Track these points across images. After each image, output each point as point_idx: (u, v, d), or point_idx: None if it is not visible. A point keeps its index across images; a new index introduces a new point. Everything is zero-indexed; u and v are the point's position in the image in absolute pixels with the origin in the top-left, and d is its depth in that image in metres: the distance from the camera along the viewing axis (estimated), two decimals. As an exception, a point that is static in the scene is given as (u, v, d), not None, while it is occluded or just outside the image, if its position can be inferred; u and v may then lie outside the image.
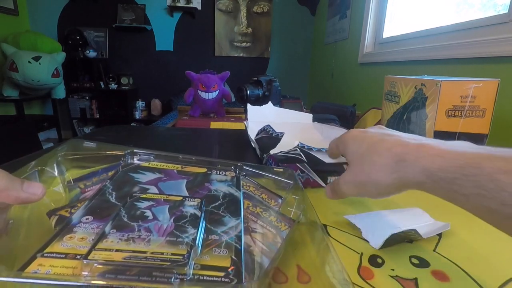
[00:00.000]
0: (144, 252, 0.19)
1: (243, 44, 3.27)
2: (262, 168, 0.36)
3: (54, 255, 0.18)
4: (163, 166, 0.33)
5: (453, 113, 0.44)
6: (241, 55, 3.30)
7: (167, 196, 0.27)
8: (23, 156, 0.49)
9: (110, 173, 0.30)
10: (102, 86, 3.05)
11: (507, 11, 1.05)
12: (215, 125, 1.32)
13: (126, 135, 0.71)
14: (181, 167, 0.33)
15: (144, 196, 0.27)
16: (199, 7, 3.10)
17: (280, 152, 0.48)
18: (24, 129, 2.45)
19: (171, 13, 3.11)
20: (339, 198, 0.32)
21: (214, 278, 0.18)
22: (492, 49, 1.06)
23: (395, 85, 0.54)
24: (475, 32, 1.20)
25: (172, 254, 0.19)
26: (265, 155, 0.49)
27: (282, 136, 0.56)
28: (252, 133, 0.62)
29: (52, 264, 0.18)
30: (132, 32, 3.12)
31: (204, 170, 0.33)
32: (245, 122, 0.68)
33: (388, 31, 1.90)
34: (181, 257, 0.19)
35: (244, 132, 0.72)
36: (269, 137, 0.57)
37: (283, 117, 0.70)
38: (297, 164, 0.43)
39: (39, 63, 2.43)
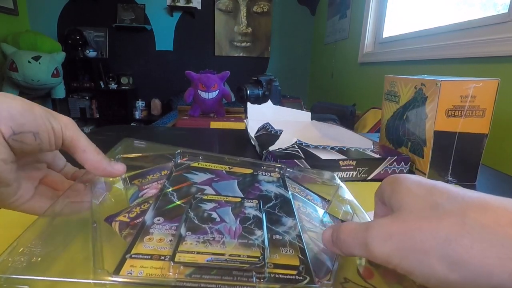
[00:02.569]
0: (223, 255, 0.21)
1: (243, 44, 3.27)
2: (303, 170, 0.37)
3: (141, 256, 0.20)
4: (211, 166, 0.34)
5: (453, 113, 0.44)
6: (241, 55, 3.30)
7: (226, 197, 0.28)
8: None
9: (163, 172, 0.32)
10: (102, 86, 3.05)
11: (507, 11, 1.05)
12: (215, 125, 1.32)
13: (126, 135, 0.71)
14: (229, 167, 0.34)
15: (206, 197, 0.28)
16: (199, 7, 3.10)
17: (279, 148, 0.49)
18: (24, 129, 2.46)
19: (171, 13, 3.11)
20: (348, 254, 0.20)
21: (289, 277, 0.20)
22: (492, 49, 1.06)
23: (395, 85, 0.54)
24: (475, 32, 1.20)
25: (248, 256, 0.21)
26: (264, 152, 0.51)
27: (280, 133, 0.57)
28: (252, 131, 0.64)
29: (142, 265, 0.19)
30: (132, 32, 3.12)
31: (250, 171, 0.34)
32: (245, 120, 0.70)
33: (388, 31, 1.90)
34: (256, 259, 0.21)
35: (244, 132, 0.72)
36: (268, 134, 0.59)
37: (282, 115, 0.72)
38: (295, 160, 0.44)
39: (39, 63, 2.43)
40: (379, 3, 1.94)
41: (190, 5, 3.04)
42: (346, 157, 0.46)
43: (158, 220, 0.24)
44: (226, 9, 3.15)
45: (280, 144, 0.52)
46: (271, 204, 0.28)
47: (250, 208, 0.27)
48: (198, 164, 0.34)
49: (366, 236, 0.17)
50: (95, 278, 0.18)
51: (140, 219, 0.24)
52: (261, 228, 0.24)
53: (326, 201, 0.33)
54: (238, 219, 0.25)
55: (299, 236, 0.24)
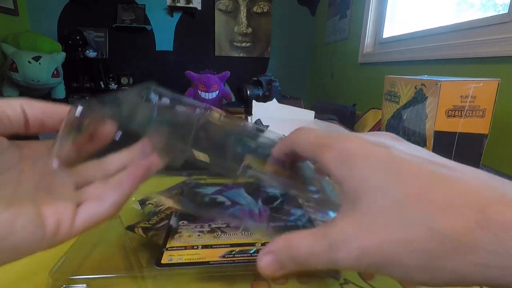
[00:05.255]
0: (251, 245, 0.22)
1: (243, 44, 3.27)
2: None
3: (175, 248, 0.22)
4: (217, 181, 0.36)
5: (453, 113, 0.44)
6: (241, 55, 3.30)
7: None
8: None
9: (174, 191, 0.34)
10: (102, 86, 3.05)
11: (507, 11, 1.05)
12: (215, 125, 1.32)
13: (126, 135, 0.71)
14: (233, 180, 0.37)
15: (202, 181, 0.28)
16: (199, 7, 3.10)
17: None
18: (24, 129, 2.46)
19: (171, 13, 3.11)
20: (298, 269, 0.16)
21: None
22: (492, 49, 1.05)
23: (395, 85, 0.54)
24: (475, 32, 1.20)
25: None
26: None
27: (267, 128, 0.60)
28: None
29: (179, 254, 0.21)
30: (132, 32, 3.12)
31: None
32: (249, 117, 0.70)
33: (388, 31, 1.90)
34: None
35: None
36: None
37: (286, 113, 0.72)
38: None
39: (39, 63, 2.43)
40: (379, 3, 1.94)
41: (190, 5, 3.04)
42: None
43: (183, 223, 0.26)
44: (226, 9, 3.15)
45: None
46: (278, 201, 0.30)
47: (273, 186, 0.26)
48: (205, 180, 0.37)
49: (333, 257, 0.14)
50: (141, 271, 0.21)
51: (162, 224, 0.26)
52: (298, 206, 0.23)
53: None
54: (260, 199, 0.25)
55: (310, 221, 0.25)
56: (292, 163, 0.20)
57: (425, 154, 0.15)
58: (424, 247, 0.12)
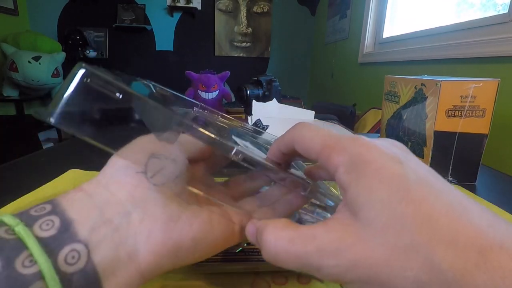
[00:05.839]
0: None
1: (243, 44, 3.27)
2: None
3: None
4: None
5: (453, 113, 0.44)
6: (241, 55, 3.30)
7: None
8: (23, 156, 0.49)
9: None
10: (102, 86, 3.05)
11: (507, 11, 1.05)
12: (215, 125, 1.32)
13: (126, 135, 0.71)
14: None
15: None
16: (199, 7, 3.10)
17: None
18: (24, 129, 2.46)
19: (171, 13, 3.11)
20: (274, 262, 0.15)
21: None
22: (492, 49, 1.06)
23: (395, 85, 0.54)
24: (475, 32, 1.20)
25: None
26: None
27: (266, 128, 0.60)
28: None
29: None
30: (132, 32, 3.12)
31: None
32: (249, 117, 0.70)
33: (388, 31, 1.90)
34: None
35: (244, 132, 0.72)
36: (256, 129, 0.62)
37: (286, 113, 0.72)
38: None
39: (39, 63, 2.43)
40: (379, 3, 1.94)
41: (190, 5, 3.04)
42: None
43: None
44: (226, 9, 3.15)
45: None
46: None
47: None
48: None
49: (318, 262, 0.14)
50: None
51: None
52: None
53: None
54: None
55: (300, 222, 0.25)
56: (287, 165, 0.20)
57: (435, 178, 0.14)
58: (417, 276, 0.12)
